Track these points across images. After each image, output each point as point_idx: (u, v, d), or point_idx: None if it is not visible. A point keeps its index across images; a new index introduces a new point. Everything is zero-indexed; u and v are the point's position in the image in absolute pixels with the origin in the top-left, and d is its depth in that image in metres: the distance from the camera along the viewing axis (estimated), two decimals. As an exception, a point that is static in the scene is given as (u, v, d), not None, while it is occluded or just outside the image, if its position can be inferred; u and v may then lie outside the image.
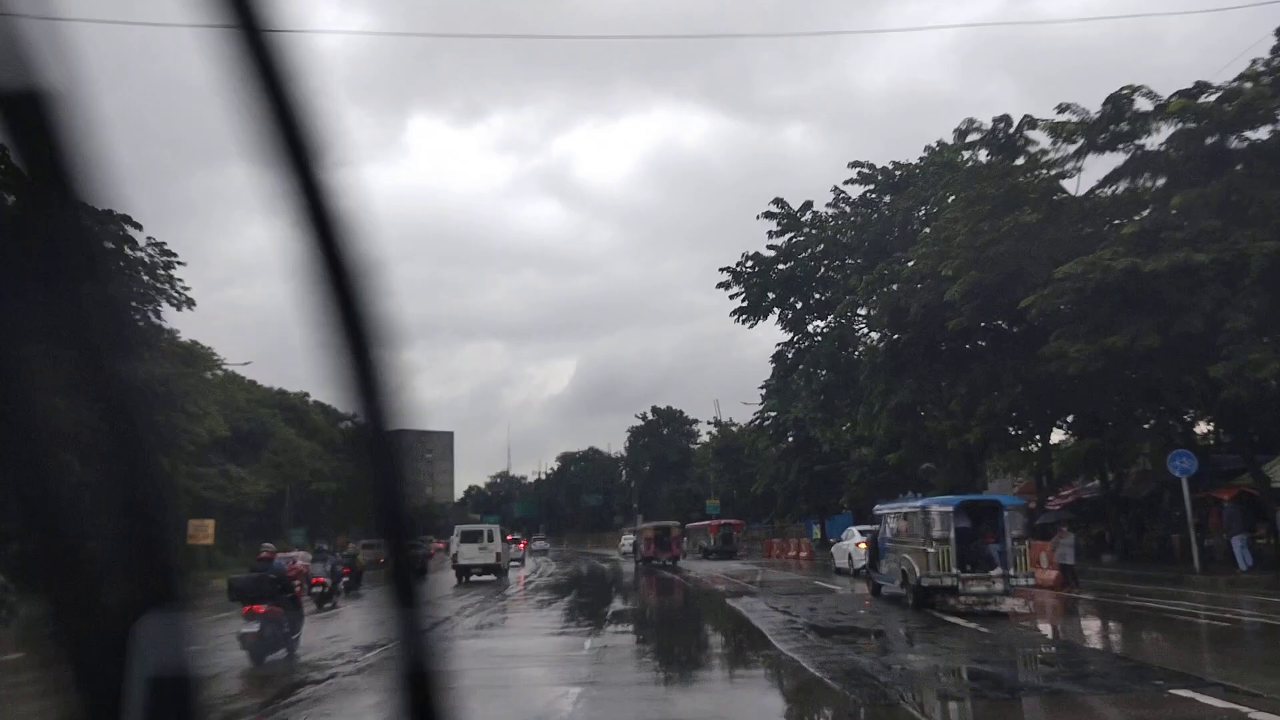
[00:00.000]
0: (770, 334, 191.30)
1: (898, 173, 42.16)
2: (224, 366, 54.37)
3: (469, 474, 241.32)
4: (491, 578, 35.86)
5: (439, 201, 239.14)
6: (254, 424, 56.24)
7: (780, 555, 50.73)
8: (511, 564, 44.56)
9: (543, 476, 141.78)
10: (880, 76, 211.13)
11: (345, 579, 29.25)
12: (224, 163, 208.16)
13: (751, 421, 66.73)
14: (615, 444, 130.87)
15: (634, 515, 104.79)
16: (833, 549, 36.54)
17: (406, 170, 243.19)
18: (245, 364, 63.90)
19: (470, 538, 36.30)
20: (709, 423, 75.22)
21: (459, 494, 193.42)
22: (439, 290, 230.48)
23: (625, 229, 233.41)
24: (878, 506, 22.96)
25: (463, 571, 35.10)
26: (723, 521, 56.67)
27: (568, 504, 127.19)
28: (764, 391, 57.44)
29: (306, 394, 74.37)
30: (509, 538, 46.52)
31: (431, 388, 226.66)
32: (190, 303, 41.36)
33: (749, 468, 65.12)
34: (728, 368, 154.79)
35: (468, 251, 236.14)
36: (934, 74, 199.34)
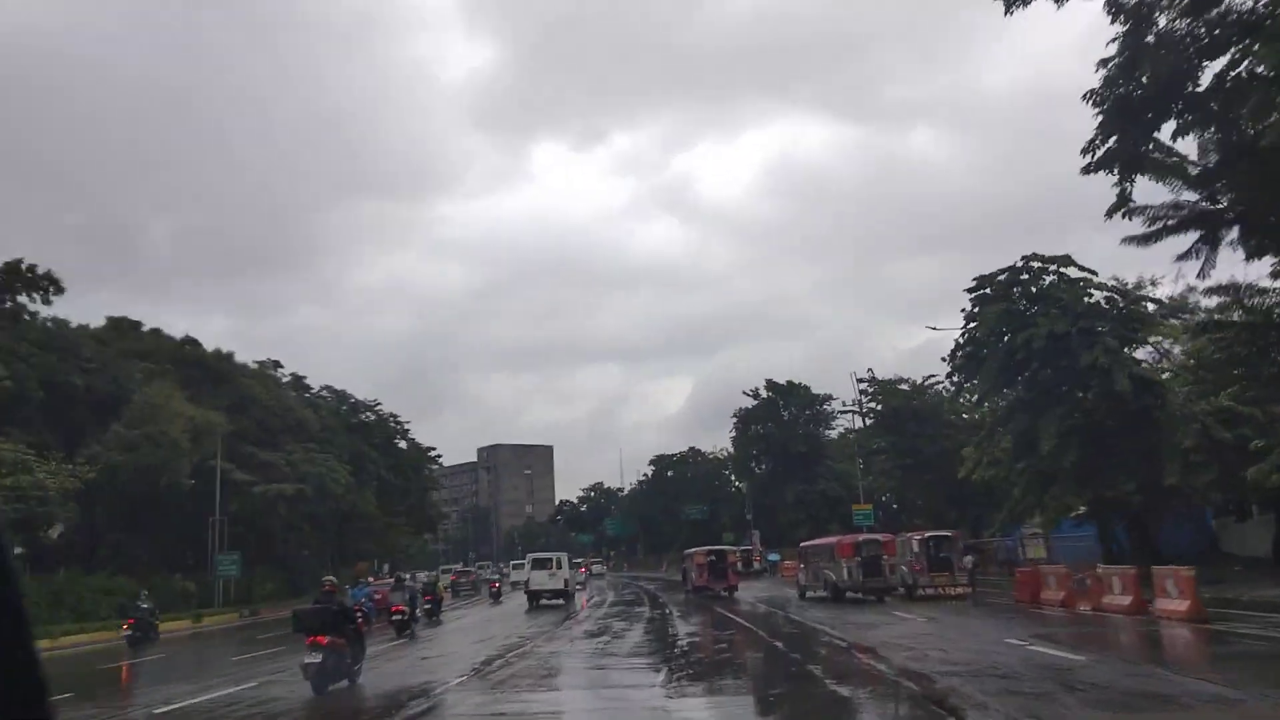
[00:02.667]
0: (886, 342, 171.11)
1: None
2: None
3: (576, 491, 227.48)
4: (560, 602, 37.18)
5: (560, 225, 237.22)
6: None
7: (1074, 603, 24.19)
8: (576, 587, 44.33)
9: (636, 484, 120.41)
10: (1008, 73, 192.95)
11: (427, 605, 29.29)
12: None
13: (932, 381, 44.82)
14: (723, 442, 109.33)
15: (747, 529, 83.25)
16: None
17: (530, 196, 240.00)
18: None
19: (540, 565, 38.42)
20: (862, 392, 51.30)
21: (553, 509, 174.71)
22: (558, 313, 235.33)
23: (744, 244, 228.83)
24: None
25: (534, 596, 37.04)
26: (864, 537, 34.90)
27: (665, 518, 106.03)
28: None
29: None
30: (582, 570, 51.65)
31: (547, 409, 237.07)
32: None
33: (942, 440, 42.31)
34: (844, 379, 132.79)
35: (585, 274, 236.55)
36: (1067, 66, 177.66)
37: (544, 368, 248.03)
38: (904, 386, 48.65)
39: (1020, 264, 34.98)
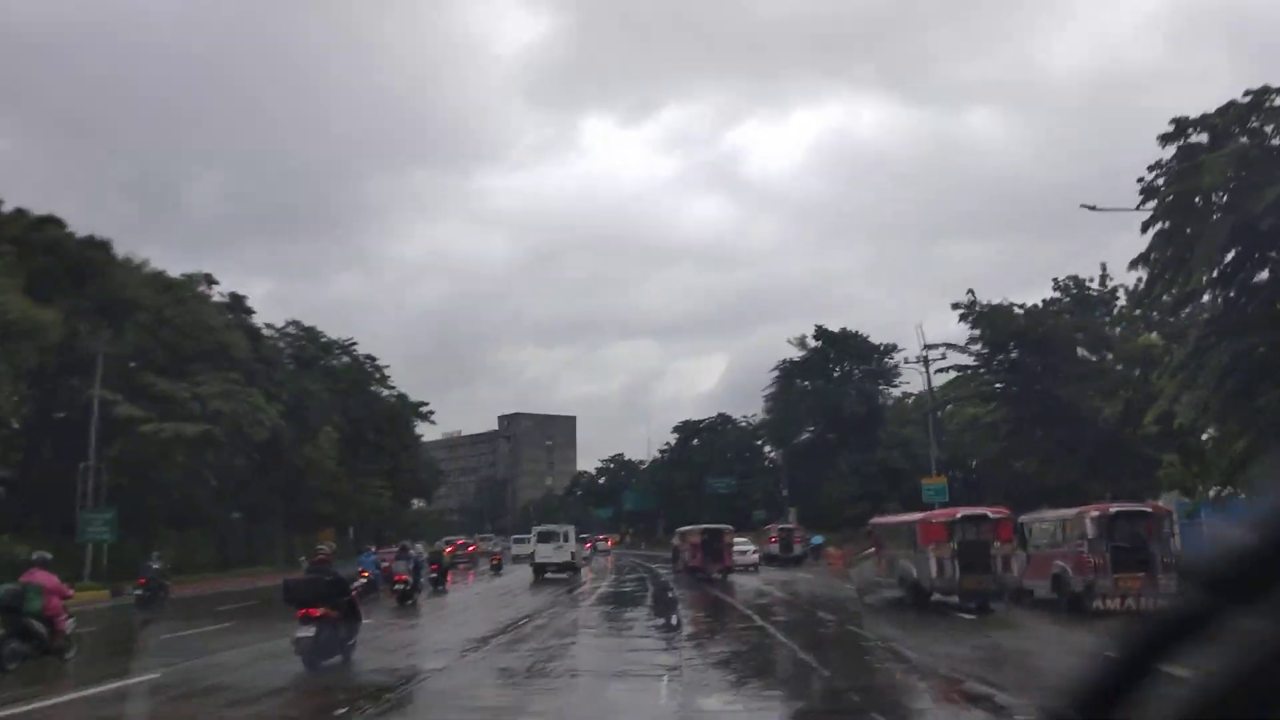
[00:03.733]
0: (937, 325, 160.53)
1: None
2: None
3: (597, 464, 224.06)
4: (566, 575, 36.76)
5: (605, 199, 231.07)
6: None
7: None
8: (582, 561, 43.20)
9: (658, 455, 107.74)
10: (1072, 54, 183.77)
11: (433, 575, 29.15)
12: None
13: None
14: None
15: (782, 507, 70.61)
16: None
17: (577, 169, 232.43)
18: None
19: (547, 538, 38.38)
20: (964, 316, 35.89)
21: (570, 481, 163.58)
22: (597, 287, 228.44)
23: (791, 222, 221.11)
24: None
25: (539, 569, 36.74)
26: (963, 513, 22.60)
27: (689, 492, 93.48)
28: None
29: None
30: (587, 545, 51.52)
31: (580, 383, 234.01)
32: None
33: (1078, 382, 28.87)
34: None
35: (628, 249, 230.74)
36: (1134, 50, 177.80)
37: (580, 342, 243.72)
38: (1018, 311, 35.03)
39: (1248, 97, 21.69)
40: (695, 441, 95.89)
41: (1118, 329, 34.21)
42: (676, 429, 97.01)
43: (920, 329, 58.45)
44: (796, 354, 60.41)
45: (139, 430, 36.20)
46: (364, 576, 25.09)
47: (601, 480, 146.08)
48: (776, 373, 61.30)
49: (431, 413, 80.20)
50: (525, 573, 38.90)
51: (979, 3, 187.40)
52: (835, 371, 59.26)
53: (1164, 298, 22.54)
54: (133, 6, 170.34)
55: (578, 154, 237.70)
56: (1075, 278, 40.21)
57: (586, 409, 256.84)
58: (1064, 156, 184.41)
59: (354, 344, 64.28)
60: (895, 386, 58.80)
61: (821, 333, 58.72)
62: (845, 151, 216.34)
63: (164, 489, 37.11)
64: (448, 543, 57.76)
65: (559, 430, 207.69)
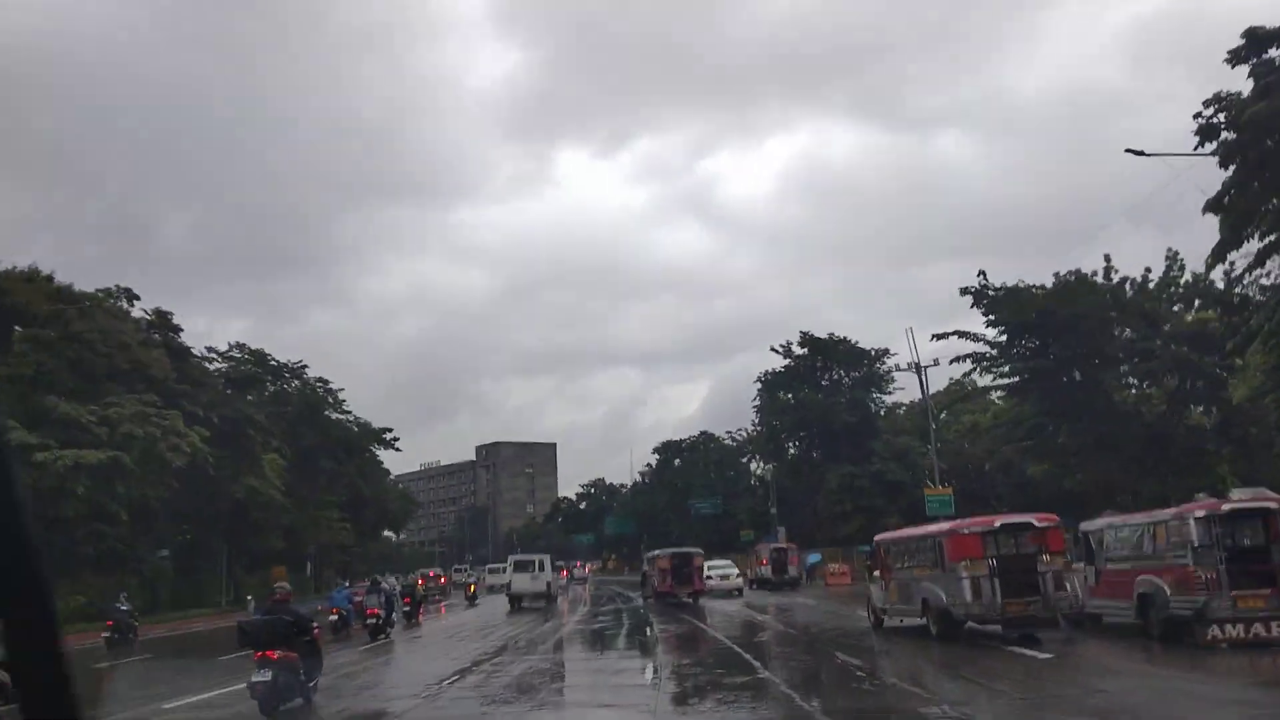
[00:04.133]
0: (913, 348, 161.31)
1: None
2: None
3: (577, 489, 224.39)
4: (542, 604, 35.99)
5: (581, 231, 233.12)
6: None
7: None
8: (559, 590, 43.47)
9: (639, 477, 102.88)
10: (1040, 78, 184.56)
11: (406, 609, 28.30)
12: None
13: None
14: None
15: (770, 526, 65.95)
16: None
17: (553, 201, 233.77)
18: None
19: (522, 568, 37.45)
20: (978, 294, 30.31)
21: (550, 508, 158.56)
22: (577, 319, 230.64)
23: (768, 249, 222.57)
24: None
25: (515, 599, 35.97)
26: (1002, 521, 18.40)
27: (673, 514, 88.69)
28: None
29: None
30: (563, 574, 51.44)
31: (562, 413, 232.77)
32: None
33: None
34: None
35: (606, 280, 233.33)
36: (1099, 72, 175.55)
37: (560, 373, 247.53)
38: (1036, 291, 30.30)
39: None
40: (677, 462, 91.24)
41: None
42: (657, 449, 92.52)
43: (910, 334, 54.21)
44: (781, 363, 55.90)
45: (33, 460, 31.11)
46: (335, 614, 24.94)
47: (582, 506, 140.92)
48: (760, 384, 56.86)
49: (396, 439, 75.04)
50: (500, 603, 38.39)
51: (949, 29, 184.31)
52: (824, 380, 54.80)
53: (1244, 245, 18.18)
54: (106, 45, 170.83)
55: (553, 186, 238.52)
56: (1077, 271, 35.96)
57: (569, 438, 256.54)
58: (1034, 177, 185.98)
59: (304, 366, 59.28)
60: (889, 393, 54.57)
61: (807, 339, 54.28)
62: (818, 178, 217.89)
63: (65, 525, 31.93)
64: (419, 575, 55.17)
65: (539, 458, 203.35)
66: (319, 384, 59.15)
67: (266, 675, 11.63)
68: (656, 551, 39.38)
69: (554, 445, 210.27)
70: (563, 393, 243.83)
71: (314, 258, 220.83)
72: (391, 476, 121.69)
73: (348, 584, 31.89)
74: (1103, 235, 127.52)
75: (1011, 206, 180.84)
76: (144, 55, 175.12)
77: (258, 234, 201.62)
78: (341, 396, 60.75)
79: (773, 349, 55.58)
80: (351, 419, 64.71)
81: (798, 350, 54.91)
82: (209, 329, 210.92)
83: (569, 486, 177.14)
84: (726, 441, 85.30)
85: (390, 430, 75.43)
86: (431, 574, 65.11)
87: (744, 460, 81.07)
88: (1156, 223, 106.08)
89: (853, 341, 53.91)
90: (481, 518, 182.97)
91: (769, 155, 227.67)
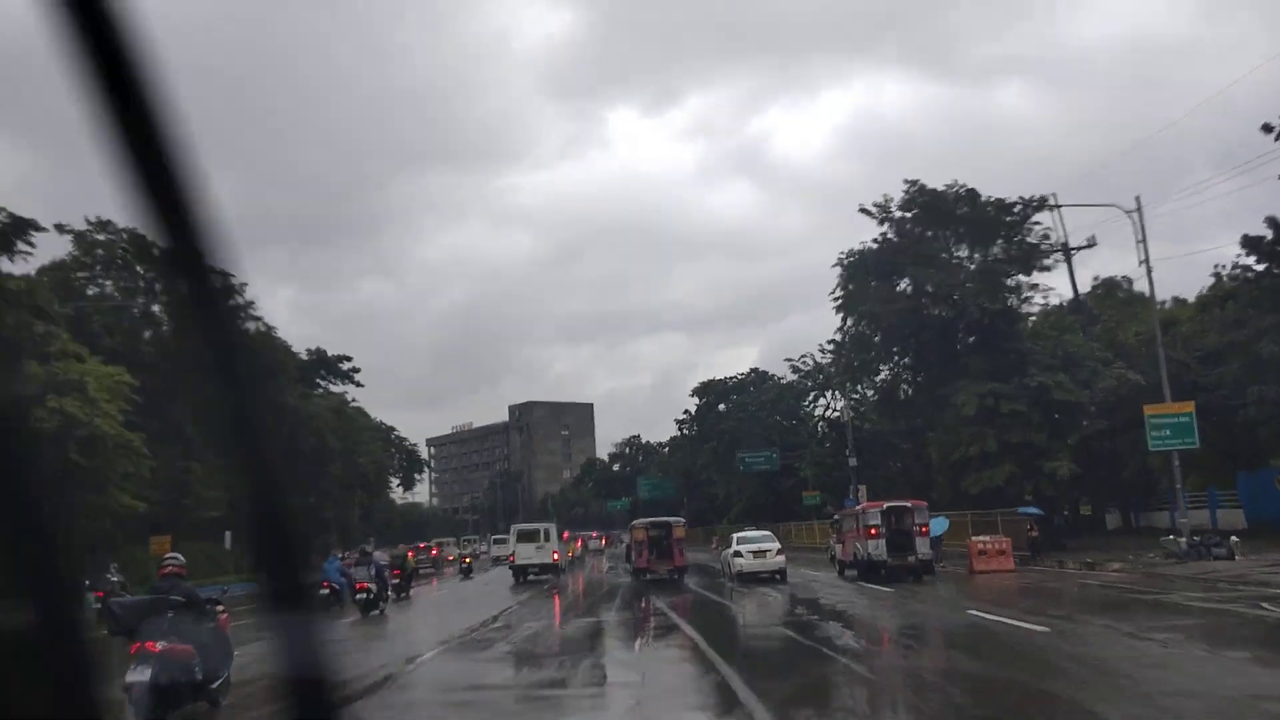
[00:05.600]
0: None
1: None
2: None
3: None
4: (549, 577, 34.13)
5: (630, 191, 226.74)
6: None
7: None
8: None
9: (677, 429, 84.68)
10: (1103, 25, 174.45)
11: (395, 581, 26.98)
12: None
13: None
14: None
15: (848, 481, 47.85)
16: None
17: (601, 162, 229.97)
18: None
19: (527, 537, 35.40)
20: None
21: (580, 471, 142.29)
22: (624, 281, 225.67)
23: (819, 208, 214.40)
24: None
25: (520, 571, 34.15)
26: None
27: (719, 473, 70.78)
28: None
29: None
30: (564, 536, 44.98)
31: (611, 377, 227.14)
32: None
33: None
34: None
35: (654, 241, 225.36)
36: (1167, 19, 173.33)
37: (605, 338, 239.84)
38: None
39: None
40: (722, 407, 72.81)
41: None
42: (696, 390, 73.63)
43: (1055, 202, 34.63)
44: (877, 233, 36.02)
45: None
46: (326, 588, 22.94)
47: (615, 468, 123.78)
48: (841, 268, 37.62)
49: (356, 371, 57.98)
50: (503, 576, 36.82)
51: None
52: (941, 256, 35.53)
53: None
54: (149, 11, 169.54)
55: (601, 148, 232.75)
56: None
57: (613, 404, 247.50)
58: (1092, 130, 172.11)
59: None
60: (1046, 268, 34.83)
61: (916, 193, 34.83)
62: (871, 133, 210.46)
63: None
64: (409, 548, 46.83)
65: (575, 418, 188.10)
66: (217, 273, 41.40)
67: (145, 674, 8.68)
68: (636, 522, 34.18)
69: (590, 405, 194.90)
70: (607, 358, 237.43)
71: (358, 226, 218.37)
72: (396, 431, 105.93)
73: (341, 555, 29.34)
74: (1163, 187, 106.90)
75: (1073, 160, 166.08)
76: (191, 18, 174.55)
77: (301, 203, 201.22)
78: (248, 296, 42.81)
79: (863, 210, 36.35)
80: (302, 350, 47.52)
81: (898, 212, 35.60)
82: (255, 294, 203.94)
83: (605, 447, 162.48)
84: (786, 379, 66.66)
85: (348, 359, 58.34)
86: (422, 545, 58.81)
87: (808, 401, 62.34)
88: None
89: (982, 196, 34.48)
90: (515, 483, 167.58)
91: (821, 110, 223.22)
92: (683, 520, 33.51)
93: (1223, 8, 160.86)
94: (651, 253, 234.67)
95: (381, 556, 27.89)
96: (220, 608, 10.67)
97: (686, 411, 78.27)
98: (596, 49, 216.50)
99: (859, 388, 42.18)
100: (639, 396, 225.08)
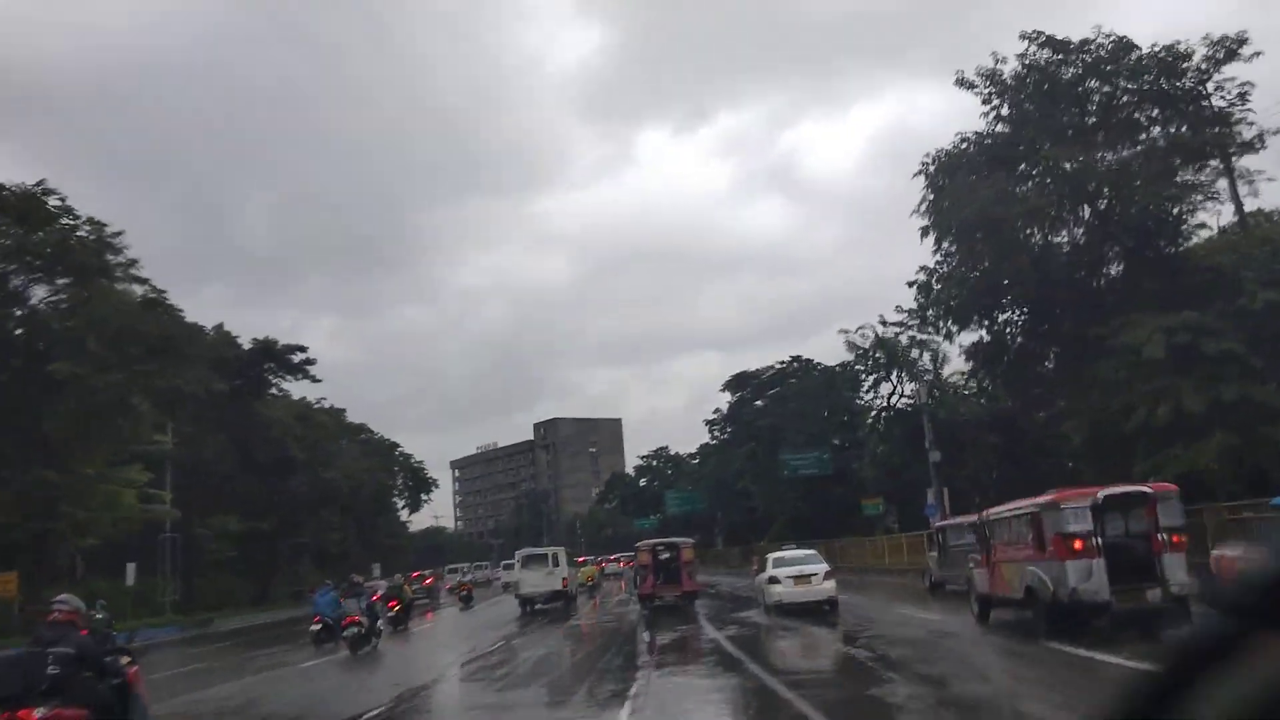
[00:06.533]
0: None
1: None
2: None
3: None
4: (559, 604, 30.85)
5: (662, 211, 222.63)
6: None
7: None
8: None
9: (707, 432, 73.18)
10: (1141, 25, 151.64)
11: (392, 613, 25.75)
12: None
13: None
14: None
15: (922, 486, 36.62)
16: None
17: (633, 183, 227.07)
18: None
19: (533, 562, 31.91)
20: None
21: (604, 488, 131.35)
22: (658, 301, 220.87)
23: (853, 222, 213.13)
24: None
25: (526, 601, 30.72)
26: None
27: (757, 479, 59.41)
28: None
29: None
30: (580, 560, 45.78)
31: (647, 397, 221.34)
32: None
33: None
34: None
35: (687, 260, 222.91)
36: (1206, 16, 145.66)
37: (640, 358, 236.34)
38: None
39: None
40: (759, 403, 61.41)
41: None
42: (728, 384, 61.97)
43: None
44: (981, 118, 24.39)
45: None
46: (317, 622, 21.26)
47: (642, 483, 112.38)
48: (926, 177, 26.08)
49: (310, 363, 47.41)
50: (504, 607, 33.84)
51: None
52: (1073, 143, 23.84)
53: None
54: (184, 42, 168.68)
55: (634, 168, 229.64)
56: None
57: (648, 424, 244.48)
58: None
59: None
60: (1249, 148, 23.32)
61: (1036, 59, 23.32)
62: (906, 145, 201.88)
63: None
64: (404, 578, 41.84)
65: (603, 435, 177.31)
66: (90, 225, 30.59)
67: None
68: (643, 542, 31.75)
69: (619, 421, 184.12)
70: (642, 378, 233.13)
71: (395, 253, 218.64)
72: (401, 448, 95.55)
73: (333, 586, 25.03)
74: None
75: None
76: (230, 47, 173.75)
77: (339, 231, 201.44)
78: (129, 252, 31.66)
79: (961, 81, 24.86)
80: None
81: (1010, 76, 23.80)
82: (296, 324, 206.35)
83: (635, 463, 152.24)
84: (825, 366, 55.16)
85: (301, 350, 47.74)
86: (414, 575, 51.78)
87: (866, 388, 50.70)
88: None
89: (1135, 43, 22.73)
90: (542, 503, 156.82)
91: (853, 124, 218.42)
92: (691, 541, 30.61)
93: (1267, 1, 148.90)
94: (685, 272, 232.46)
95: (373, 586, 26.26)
96: (127, 659, 8.67)
97: (717, 410, 66.77)
98: (627, 69, 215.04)
99: (953, 340, 30.51)
100: (673, 418, 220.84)
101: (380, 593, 26.70)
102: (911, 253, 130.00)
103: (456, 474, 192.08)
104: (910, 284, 28.79)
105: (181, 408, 33.79)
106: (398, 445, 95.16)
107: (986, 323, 27.77)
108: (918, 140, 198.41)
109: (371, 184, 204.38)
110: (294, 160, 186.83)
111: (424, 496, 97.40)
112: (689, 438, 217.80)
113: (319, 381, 47.67)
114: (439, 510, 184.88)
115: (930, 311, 29.29)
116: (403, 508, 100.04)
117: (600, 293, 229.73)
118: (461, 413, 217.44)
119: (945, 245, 26.13)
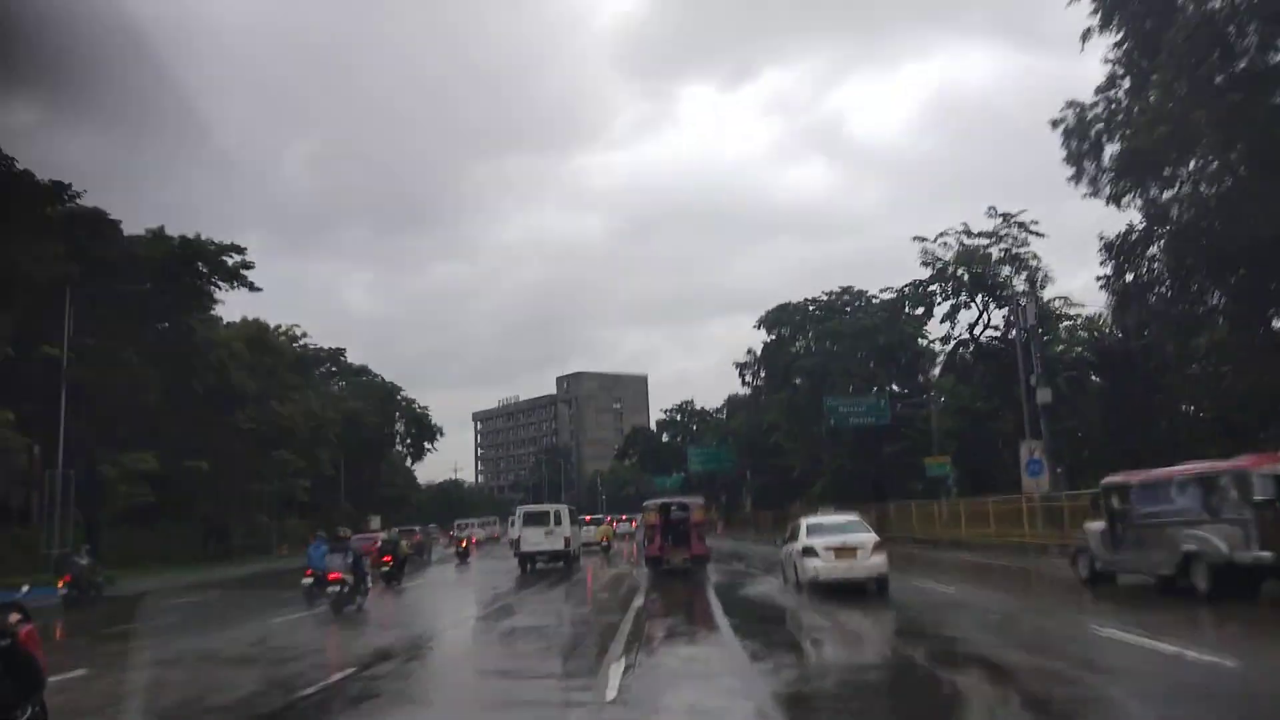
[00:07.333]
0: (1058, 285, 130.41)
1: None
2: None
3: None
4: (560, 564, 30.19)
5: (704, 170, 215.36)
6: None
7: None
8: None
9: (738, 376, 63.82)
10: None
11: (385, 568, 24.68)
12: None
13: None
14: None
15: (1009, 436, 27.30)
16: None
17: (675, 141, 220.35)
18: None
19: (535, 520, 30.97)
20: None
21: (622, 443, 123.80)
22: (695, 261, 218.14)
23: (900, 184, 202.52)
24: None
25: (526, 560, 30.09)
26: None
27: (794, 434, 50.21)
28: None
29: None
30: (587, 519, 45.01)
31: (683, 358, 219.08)
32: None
33: None
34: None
35: (727, 220, 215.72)
36: None
37: (676, 317, 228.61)
38: None
39: None
40: (798, 346, 51.97)
41: None
42: (763, 320, 52.29)
43: None
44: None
45: None
46: (309, 575, 20.25)
47: (665, 438, 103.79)
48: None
49: (247, 267, 38.78)
50: (499, 565, 33.64)
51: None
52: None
53: None
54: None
55: (675, 126, 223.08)
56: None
57: (680, 385, 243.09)
58: None
59: None
60: None
61: None
62: (955, 105, 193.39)
63: None
64: (409, 531, 42.13)
65: (628, 391, 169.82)
66: None
67: None
68: (646, 502, 30.16)
69: (645, 378, 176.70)
70: (676, 338, 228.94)
71: (434, 209, 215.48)
72: (403, 392, 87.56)
73: (326, 539, 23.18)
74: None
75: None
76: (261, 8, 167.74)
77: (379, 187, 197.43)
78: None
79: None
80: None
81: None
82: (334, 278, 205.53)
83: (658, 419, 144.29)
84: (876, 299, 45.55)
85: (239, 251, 39.01)
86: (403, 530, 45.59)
87: (940, 315, 40.93)
88: None
89: None
90: (562, 459, 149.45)
91: (901, 84, 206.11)
92: (701, 501, 30.74)
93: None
94: (722, 232, 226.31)
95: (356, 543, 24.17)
96: (17, 617, 6.96)
97: (750, 351, 57.37)
98: (672, 25, 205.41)
99: (1121, 206, 20.72)
100: (703, 381, 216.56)
101: (377, 545, 25.62)
102: (954, 218, 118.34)
103: (479, 426, 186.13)
104: (1054, 123, 19.34)
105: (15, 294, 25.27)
106: (400, 390, 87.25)
107: (1161, 187, 18.17)
108: (968, 101, 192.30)
109: (412, 140, 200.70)
110: (334, 116, 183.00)
111: (428, 445, 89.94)
112: (718, 399, 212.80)
113: (259, 290, 39.17)
114: (461, 463, 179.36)
115: (1087, 163, 19.68)
116: (406, 457, 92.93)
117: (636, 252, 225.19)
118: (492, 370, 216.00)
119: (1127, 48, 16.50)
